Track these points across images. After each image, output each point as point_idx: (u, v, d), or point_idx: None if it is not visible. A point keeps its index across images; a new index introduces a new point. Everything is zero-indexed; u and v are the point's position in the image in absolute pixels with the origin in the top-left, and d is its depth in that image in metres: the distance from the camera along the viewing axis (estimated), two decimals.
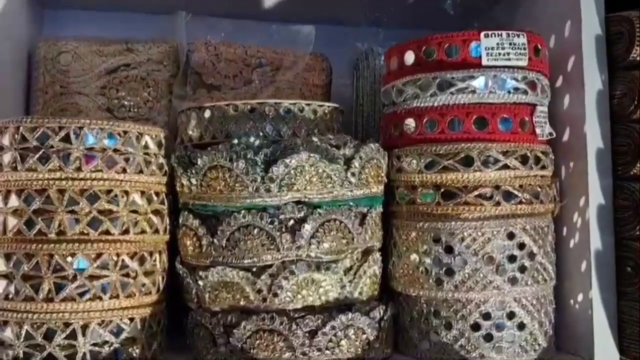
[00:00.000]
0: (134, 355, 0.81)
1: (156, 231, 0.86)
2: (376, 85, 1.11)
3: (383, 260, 0.92)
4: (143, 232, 0.83)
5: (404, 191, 0.91)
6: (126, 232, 0.81)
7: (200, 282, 0.85)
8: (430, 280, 0.87)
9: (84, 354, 0.78)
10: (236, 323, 0.82)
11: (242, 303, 0.83)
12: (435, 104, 0.86)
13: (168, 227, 0.89)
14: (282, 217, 0.82)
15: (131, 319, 0.81)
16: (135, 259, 0.82)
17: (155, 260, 0.85)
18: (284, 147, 0.82)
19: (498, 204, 0.85)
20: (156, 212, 0.86)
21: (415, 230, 0.89)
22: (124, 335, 0.81)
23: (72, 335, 0.77)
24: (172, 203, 0.90)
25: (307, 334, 0.81)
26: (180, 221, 0.88)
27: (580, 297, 0.91)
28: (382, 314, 0.87)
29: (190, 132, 0.91)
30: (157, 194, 0.87)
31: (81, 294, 0.78)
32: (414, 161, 0.89)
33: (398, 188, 0.92)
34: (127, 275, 0.81)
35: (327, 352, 0.81)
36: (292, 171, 0.80)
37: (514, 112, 0.86)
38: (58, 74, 1.11)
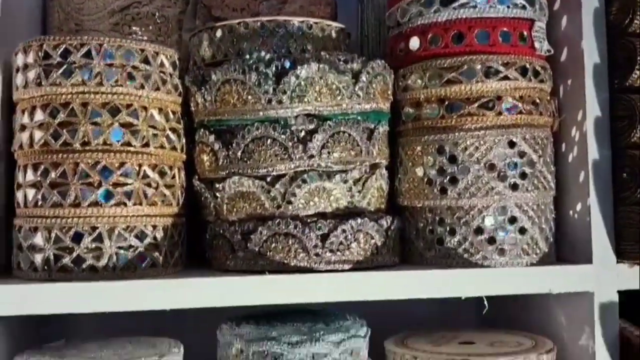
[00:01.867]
0: (158, 260, 0.87)
1: (174, 148, 0.91)
2: (381, 17, 1.16)
3: (390, 186, 0.97)
4: (162, 147, 0.88)
5: (409, 110, 0.96)
6: (146, 145, 0.86)
7: (218, 195, 0.91)
8: (435, 190, 0.92)
9: (111, 256, 0.83)
10: (253, 230, 0.87)
11: (258, 211, 0.88)
12: (439, 20, 0.91)
13: (184, 146, 0.94)
14: (293, 128, 0.87)
15: (154, 227, 0.87)
16: (156, 170, 0.87)
17: (174, 176, 0.91)
18: (294, 60, 0.86)
19: (499, 113, 0.90)
20: (173, 130, 0.91)
21: (420, 144, 0.94)
22: (147, 241, 0.86)
23: (99, 239, 0.83)
24: (187, 124, 0.95)
25: (319, 237, 0.86)
26: (196, 139, 0.94)
27: (578, 207, 0.96)
28: (389, 223, 0.92)
29: (203, 53, 0.96)
30: (173, 112, 0.92)
31: (106, 199, 0.83)
32: (419, 79, 0.94)
33: (404, 107, 0.97)
34: (148, 185, 0.86)
35: (339, 253, 0.87)
36: (302, 82, 0.85)
37: (514, 26, 0.91)
38: (73, 12, 1.15)
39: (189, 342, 0.93)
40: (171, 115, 0.91)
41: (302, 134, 0.87)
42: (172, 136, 0.91)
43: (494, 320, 1.14)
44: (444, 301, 1.21)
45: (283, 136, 0.86)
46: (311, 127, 0.87)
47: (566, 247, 0.98)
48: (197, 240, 0.97)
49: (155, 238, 0.87)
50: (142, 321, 0.98)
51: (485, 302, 0.91)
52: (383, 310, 1.06)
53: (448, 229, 0.92)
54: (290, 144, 0.86)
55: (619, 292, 0.92)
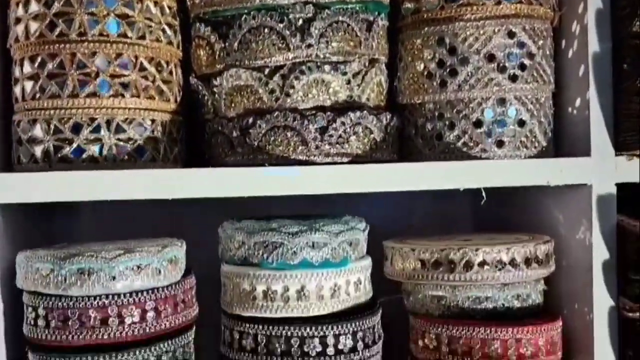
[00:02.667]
0: (157, 155, 0.88)
1: (169, 43, 0.91)
2: None
3: (390, 87, 0.98)
4: (158, 40, 0.88)
5: (409, 4, 0.95)
6: (142, 37, 0.86)
7: (215, 90, 0.91)
8: (435, 84, 0.93)
9: (110, 147, 0.84)
10: (252, 124, 0.88)
11: (256, 105, 0.89)
12: None
13: (180, 44, 0.94)
14: (291, 16, 0.86)
15: (152, 121, 0.88)
16: (152, 64, 0.88)
17: (171, 72, 0.91)
18: None
19: (499, 3, 0.90)
20: (169, 25, 0.91)
21: (420, 38, 0.94)
22: (146, 134, 0.87)
23: (98, 130, 0.84)
24: (183, 20, 0.95)
25: (318, 130, 0.87)
26: (192, 34, 0.93)
27: (578, 102, 0.96)
28: (388, 120, 0.93)
29: None
30: (169, 7, 0.91)
31: (104, 90, 0.83)
32: None
33: (403, 2, 0.96)
34: (145, 78, 0.87)
35: (338, 146, 0.88)
36: None
37: None
38: None
39: (190, 245, 0.95)
40: (167, 10, 0.91)
41: (300, 22, 0.86)
42: (168, 31, 0.91)
43: (491, 224, 1.16)
44: (443, 211, 1.25)
45: (280, 25, 0.86)
46: (309, 15, 0.86)
47: (565, 142, 0.99)
48: (196, 143, 0.98)
49: (154, 132, 0.88)
50: (144, 226, 1.00)
51: (483, 193, 0.92)
52: (382, 223, 1.08)
53: (447, 123, 0.93)
54: (287, 32, 0.86)
55: (618, 186, 0.94)
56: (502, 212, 1.15)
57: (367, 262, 0.95)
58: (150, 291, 0.84)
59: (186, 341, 0.90)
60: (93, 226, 1.15)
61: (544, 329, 0.89)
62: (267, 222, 0.90)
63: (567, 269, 0.99)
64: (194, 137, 0.99)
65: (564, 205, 1.00)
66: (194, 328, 0.93)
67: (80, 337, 0.81)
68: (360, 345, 0.89)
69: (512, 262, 0.89)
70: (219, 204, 1.01)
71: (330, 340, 0.87)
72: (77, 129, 0.83)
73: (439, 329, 0.91)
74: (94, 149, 0.84)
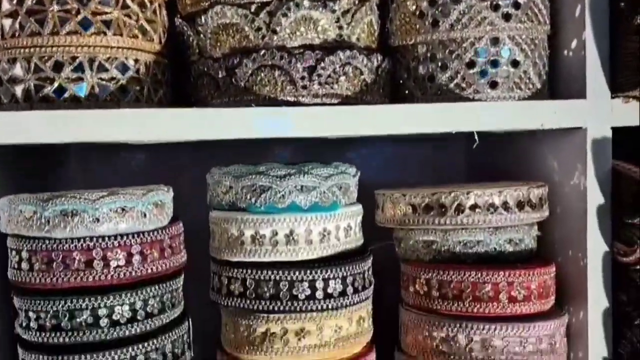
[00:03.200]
0: (141, 96, 0.86)
1: None
2: None
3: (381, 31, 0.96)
4: None
5: None
6: None
7: (201, 29, 0.89)
8: (426, 24, 0.91)
9: (93, 86, 0.82)
10: (238, 64, 0.86)
11: (242, 44, 0.87)
12: None
13: None
14: None
15: (136, 60, 0.86)
16: (136, 2, 0.86)
17: (155, 11, 0.89)
18: None
19: None
20: None
21: None
22: (129, 74, 0.85)
23: (80, 69, 0.82)
24: None
25: (306, 69, 0.85)
26: None
27: (574, 44, 0.94)
28: (379, 61, 0.91)
29: None
30: None
31: (85, 28, 0.81)
32: None
33: None
34: (128, 16, 0.85)
35: (327, 86, 0.86)
36: None
37: None
38: None
39: (182, 198, 0.94)
40: None
41: None
42: None
43: (484, 175, 1.15)
44: (435, 163, 1.24)
45: None
46: None
47: (560, 86, 0.97)
48: (182, 87, 0.96)
49: (137, 72, 0.86)
50: (136, 182, 0.99)
51: (476, 137, 0.91)
52: (374, 177, 1.07)
53: (440, 64, 0.91)
54: None
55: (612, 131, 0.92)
56: (496, 162, 1.14)
57: (358, 208, 0.94)
58: (135, 235, 0.83)
59: (174, 287, 0.89)
60: (83, 184, 1.14)
61: (537, 273, 0.88)
62: (254, 167, 0.88)
63: (561, 215, 0.98)
64: (180, 81, 0.97)
65: (559, 150, 0.98)
66: (183, 275, 0.92)
67: (65, 279, 0.81)
68: (349, 289, 0.88)
69: (505, 205, 0.88)
70: (209, 156, 1.00)
71: (320, 284, 0.86)
72: (58, 67, 0.82)
73: (430, 274, 0.90)
74: (75, 89, 0.82)
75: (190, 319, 0.93)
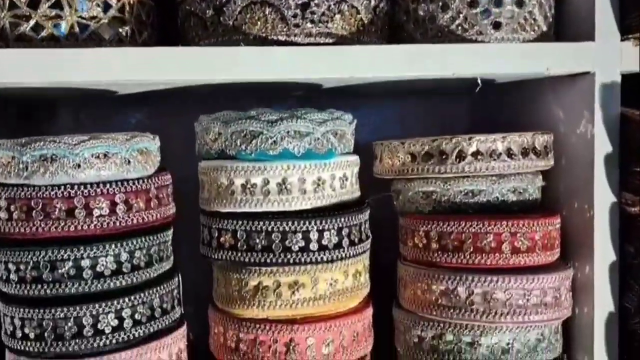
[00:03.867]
0: (124, 36, 0.82)
1: None
2: None
3: None
4: None
5: None
6: None
7: None
8: None
9: (72, 25, 0.78)
10: (226, 1, 0.82)
11: None
12: None
13: None
14: None
15: None
16: None
17: None
18: None
19: None
20: None
21: None
22: (112, 13, 0.81)
23: (58, 5, 0.78)
24: None
25: (299, 6, 0.81)
26: None
27: None
28: (377, 1, 0.87)
29: None
30: None
31: None
32: None
33: None
34: None
35: (321, 25, 0.82)
36: None
37: None
38: None
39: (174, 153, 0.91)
40: None
41: None
42: None
43: (487, 128, 1.11)
44: (437, 117, 1.20)
45: None
46: None
47: (567, 27, 0.93)
48: (169, 31, 0.92)
49: (121, 12, 0.82)
50: None
51: (479, 81, 0.87)
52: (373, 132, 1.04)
53: (441, 4, 0.87)
54: None
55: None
56: (499, 118, 1.10)
57: (355, 158, 0.90)
58: (119, 182, 0.80)
59: (162, 240, 0.86)
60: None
61: (541, 223, 0.85)
62: (245, 112, 0.84)
63: (566, 166, 0.94)
64: (166, 25, 0.93)
65: (565, 98, 0.94)
66: (172, 229, 0.89)
67: (45, 229, 0.77)
68: (345, 242, 0.85)
69: (508, 152, 0.85)
70: (200, 108, 0.96)
71: (314, 236, 0.83)
72: (34, 4, 0.77)
73: (429, 226, 0.87)
74: (54, 28, 0.77)
75: (180, 275, 0.90)
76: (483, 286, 0.83)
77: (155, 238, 0.84)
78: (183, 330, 0.89)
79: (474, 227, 0.83)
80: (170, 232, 0.89)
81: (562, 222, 0.91)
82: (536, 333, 0.86)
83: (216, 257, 0.86)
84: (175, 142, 0.95)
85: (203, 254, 0.89)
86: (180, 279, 0.90)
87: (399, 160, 0.88)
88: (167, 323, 0.85)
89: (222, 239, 0.85)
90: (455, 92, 1.12)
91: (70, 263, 0.78)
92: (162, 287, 0.85)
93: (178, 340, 0.87)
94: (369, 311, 0.91)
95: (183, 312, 0.90)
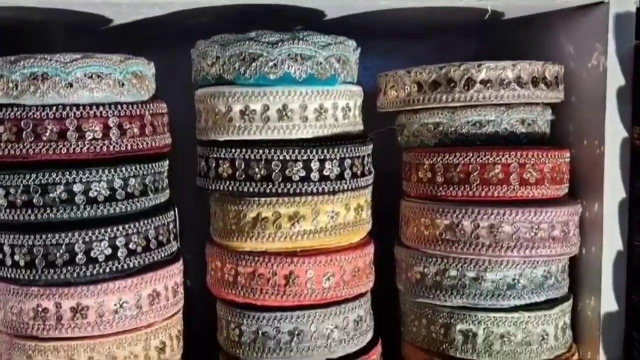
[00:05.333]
0: None
1: None
2: None
3: None
4: None
5: None
6: None
7: None
8: None
9: None
10: None
11: None
12: None
13: None
14: None
15: None
16: None
17: None
18: None
19: None
20: None
21: None
22: None
23: None
24: None
25: None
26: None
27: None
28: None
29: None
30: None
31: None
32: None
33: None
34: None
35: None
36: None
37: None
38: None
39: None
40: None
41: None
42: None
43: None
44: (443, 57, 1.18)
45: None
46: None
47: None
48: None
49: None
50: None
51: (489, 8, 0.84)
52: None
53: None
54: None
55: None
56: (508, 52, 1.07)
57: (358, 89, 0.87)
58: (112, 105, 0.78)
59: (157, 170, 0.84)
60: None
61: (551, 155, 0.83)
62: (244, 34, 0.82)
63: (576, 103, 0.92)
64: None
65: (576, 31, 0.92)
66: (167, 161, 0.87)
67: (36, 150, 0.75)
68: (347, 173, 0.83)
69: (518, 80, 0.83)
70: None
71: (315, 165, 0.81)
72: None
73: (435, 158, 0.85)
74: None
75: (176, 211, 0.88)
76: (489, 219, 0.81)
77: (150, 167, 0.82)
78: (180, 265, 0.87)
79: (481, 158, 0.82)
80: (166, 163, 0.87)
81: (570, 161, 0.89)
82: (543, 270, 0.84)
83: (214, 188, 0.84)
84: (172, 83, 0.93)
85: (200, 186, 0.87)
86: (176, 214, 0.88)
87: (405, 91, 0.86)
88: (162, 256, 0.84)
89: (220, 169, 0.83)
90: (463, 28, 1.08)
91: (62, 187, 0.76)
92: (157, 218, 0.83)
93: (174, 275, 0.86)
94: (371, 248, 0.90)
95: (180, 246, 0.88)
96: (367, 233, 0.91)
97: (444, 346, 0.86)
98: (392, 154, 0.96)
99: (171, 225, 0.86)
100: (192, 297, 0.94)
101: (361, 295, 0.89)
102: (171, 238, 0.86)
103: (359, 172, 0.84)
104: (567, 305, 0.88)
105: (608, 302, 0.89)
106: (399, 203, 0.94)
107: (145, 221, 0.81)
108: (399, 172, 0.95)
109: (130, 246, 0.80)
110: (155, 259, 0.82)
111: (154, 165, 0.83)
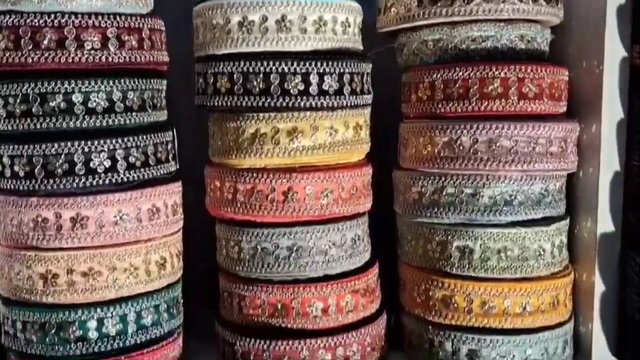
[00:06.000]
0: None
1: None
2: None
3: None
4: None
5: None
6: None
7: None
8: None
9: None
10: None
11: None
12: None
13: None
14: None
15: None
16: None
17: None
18: None
19: None
20: None
21: None
22: None
23: None
24: None
25: None
26: None
27: None
28: None
29: None
30: None
31: None
32: None
33: None
34: None
35: None
36: None
37: None
38: None
39: None
40: None
41: None
42: None
43: None
44: None
45: None
46: None
47: None
48: None
49: None
50: None
51: None
52: None
53: None
54: None
55: None
56: None
57: (358, 6, 0.88)
58: (111, 16, 0.78)
59: (155, 87, 0.84)
60: None
61: (550, 71, 0.84)
62: None
63: (576, 26, 0.93)
64: None
65: None
66: (165, 80, 0.87)
67: (35, 59, 0.76)
68: (347, 89, 0.84)
69: None
70: None
71: (314, 79, 0.82)
72: None
73: (434, 75, 0.85)
74: None
75: (175, 133, 0.88)
76: (488, 133, 0.82)
77: (148, 82, 0.83)
78: (179, 185, 0.88)
79: (481, 73, 0.82)
80: (164, 82, 0.87)
81: (569, 83, 0.89)
82: (540, 187, 0.85)
83: (212, 104, 0.85)
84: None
85: (198, 104, 0.88)
86: (175, 136, 0.89)
87: (405, 7, 0.86)
88: (161, 173, 0.85)
89: (218, 84, 0.84)
90: None
91: (61, 97, 0.77)
92: (156, 135, 0.84)
93: (174, 194, 0.87)
94: (369, 169, 0.91)
95: (178, 167, 0.89)
96: (365, 155, 0.92)
97: (441, 263, 0.87)
98: (390, 82, 0.96)
99: (169, 146, 0.87)
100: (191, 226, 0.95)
101: (359, 215, 0.90)
102: (170, 158, 0.87)
103: (358, 89, 0.85)
104: (564, 225, 0.89)
105: (604, 223, 0.90)
106: (397, 130, 0.95)
107: (144, 136, 0.82)
108: (398, 102, 0.95)
109: (130, 160, 0.80)
110: (155, 175, 0.83)
111: (152, 81, 0.83)
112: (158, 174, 0.84)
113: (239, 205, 0.86)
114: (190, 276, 0.93)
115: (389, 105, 0.96)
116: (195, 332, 0.96)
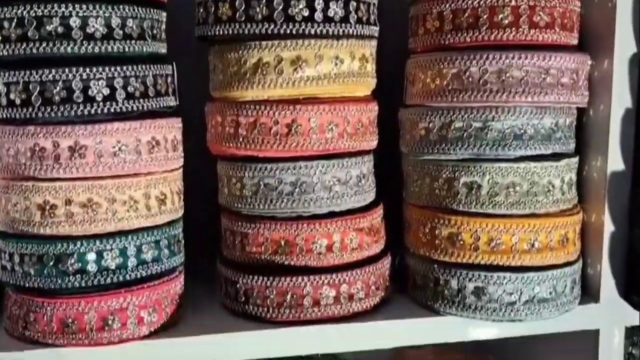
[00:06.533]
0: None
1: None
2: None
3: None
4: None
5: None
6: None
7: None
8: None
9: None
10: None
11: None
12: None
13: None
14: None
15: None
16: None
17: None
18: None
19: None
20: None
21: None
22: None
23: None
24: None
25: None
26: None
27: None
28: None
29: None
30: None
31: None
32: None
33: None
34: None
35: None
36: None
37: None
38: None
39: None
40: None
41: None
42: None
43: None
44: None
45: None
46: None
47: None
48: None
49: None
50: None
51: None
52: None
53: None
54: None
55: None
56: None
57: None
58: None
59: (155, 17, 0.83)
60: None
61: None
62: None
63: None
64: None
65: None
66: (165, 13, 0.85)
67: None
68: (353, 17, 0.82)
69: None
70: None
71: (319, 5, 0.80)
72: None
73: (443, 5, 0.83)
74: None
75: (175, 68, 0.87)
76: (498, 64, 0.80)
77: (148, 11, 0.81)
78: (179, 121, 0.87)
79: (491, 1, 0.80)
80: (164, 15, 0.85)
81: (581, 17, 0.87)
82: (550, 122, 0.84)
83: (213, 33, 0.83)
84: None
85: (199, 35, 0.86)
86: (175, 72, 0.87)
87: None
88: (161, 105, 0.83)
89: (219, 12, 0.82)
90: None
91: (58, 20, 0.75)
92: (155, 66, 0.82)
93: (173, 129, 0.85)
94: (375, 107, 0.89)
95: (178, 103, 0.87)
96: (371, 92, 0.90)
97: (447, 201, 0.86)
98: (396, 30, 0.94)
99: (169, 79, 0.85)
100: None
101: (365, 152, 0.89)
102: (170, 92, 0.85)
103: (364, 18, 0.83)
104: (574, 161, 0.88)
105: (615, 162, 0.88)
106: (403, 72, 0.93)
107: (144, 66, 0.80)
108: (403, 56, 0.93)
109: (129, 89, 0.79)
110: (154, 107, 0.82)
111: (152, 10, 0.81)
112: (157, 106, 0.82)
113: (241, 139, 0.84)
114: (191, 226, 0.91)
115: (395, 53, 0.94)
116: (195, 280, 0.95)
